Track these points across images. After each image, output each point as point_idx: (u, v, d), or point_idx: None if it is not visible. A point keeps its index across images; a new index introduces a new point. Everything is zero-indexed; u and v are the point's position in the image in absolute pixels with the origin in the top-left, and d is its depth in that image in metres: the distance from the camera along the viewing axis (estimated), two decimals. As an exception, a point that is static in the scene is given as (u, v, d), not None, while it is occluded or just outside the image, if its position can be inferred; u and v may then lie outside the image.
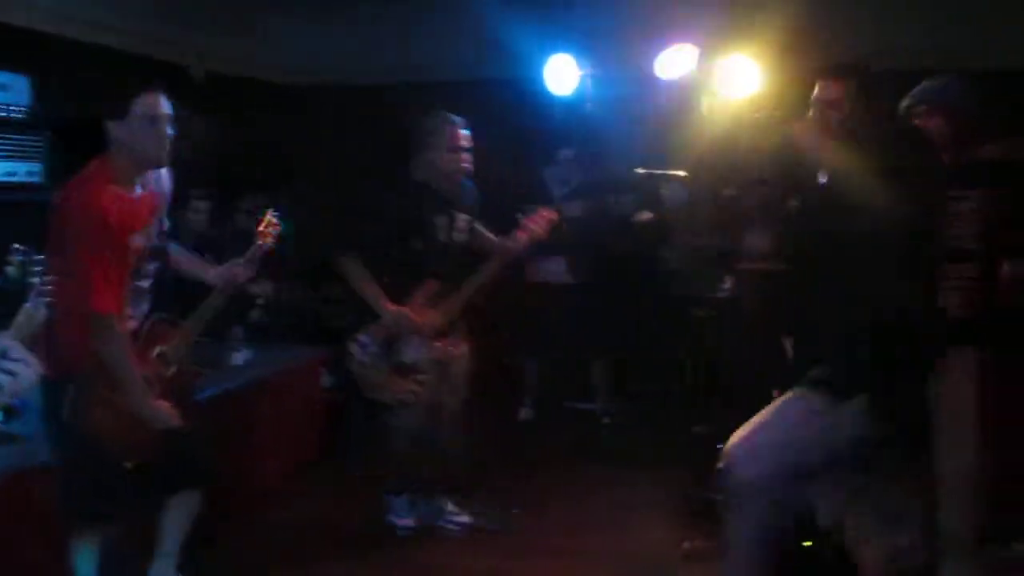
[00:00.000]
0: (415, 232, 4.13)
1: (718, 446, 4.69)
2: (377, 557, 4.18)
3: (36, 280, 1.93)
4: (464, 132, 4.20)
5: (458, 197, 4.26)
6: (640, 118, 6.17)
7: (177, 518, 3.33)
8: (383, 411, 4.21)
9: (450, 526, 4.43)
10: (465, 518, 4.46)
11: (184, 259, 3.40)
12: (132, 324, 3.11)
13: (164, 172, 3.21)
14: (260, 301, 5.70)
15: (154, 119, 3.02)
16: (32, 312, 1.87)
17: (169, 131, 3.06)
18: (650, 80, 5.59)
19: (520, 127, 6.63)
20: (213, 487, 3.39)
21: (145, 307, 3.18)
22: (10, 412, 3.33)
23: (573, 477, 5.23)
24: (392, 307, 4.07)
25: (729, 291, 4.78)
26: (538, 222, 4.38)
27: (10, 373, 1.82)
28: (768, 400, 3.29)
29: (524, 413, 6.21)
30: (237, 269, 3.39)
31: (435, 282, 4.15)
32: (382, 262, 4.11)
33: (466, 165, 4.21)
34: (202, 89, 6.59)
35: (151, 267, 3.19)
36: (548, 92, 5.89)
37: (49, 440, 3.08)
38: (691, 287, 4.67)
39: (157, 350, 3.16)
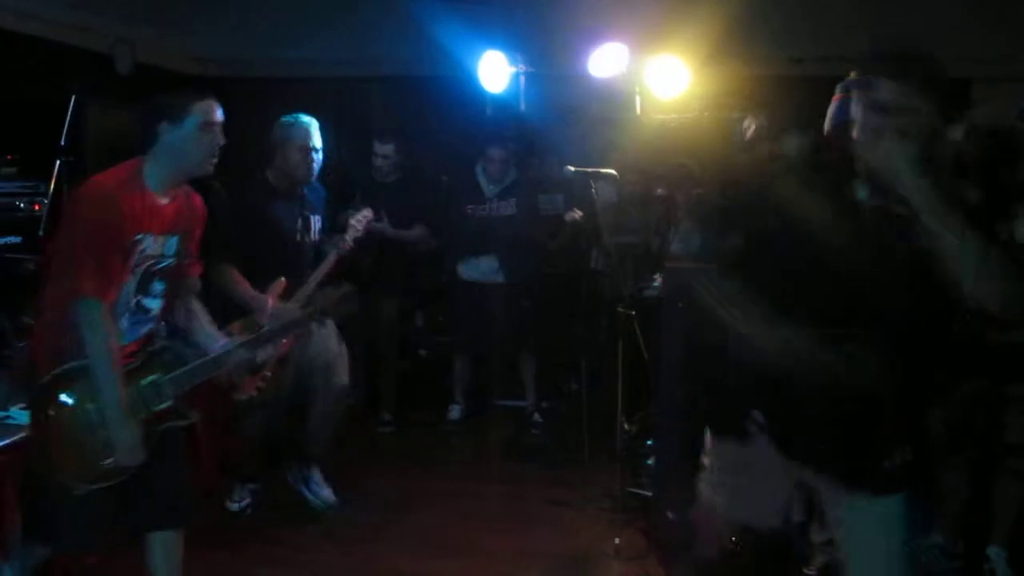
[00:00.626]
0: (268, 232, 4.29)
1: (647, 443, 4.76)
2: (309, 556, 4.15)
3: None
4: (312, 134, 4.38)
5: (306, 198, 4.46)
6: (572, 117, 6.21)
7: (166, 561, 3.10)
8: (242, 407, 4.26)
9: (312, 497, 4.62)
10: (328, 492, 4.65)
11: (198, 324, 3.26)
12: (129, 346, 2.99)
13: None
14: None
15: (208, 125, 3.00)
16: None
17: (220, 140, 3.03)
18: (583, 79, 5.61)
19: (452, 124, 6.63)
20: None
21: (145, 331, 3.06)
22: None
23: (502, 475, 5.24)
24: (256, 293, 4.13)
25: (658, 290, 4.82)
26: (360, 221, 4.58)
27: None
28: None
29: (453, 411, 6.19)
30: (230, 350, 3.21)
31: (285, 280, 4.18)
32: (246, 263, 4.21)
33: (313, 167, 4.38)
34: (128, 80, 6.45)
35: (159, 287, 3.06)
36: (480, 89, 5.87)
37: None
38: (620, 286, 4.69)
39: (150, 378, 2.99)
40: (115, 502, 2.93)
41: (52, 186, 4.41)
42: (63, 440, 2.87)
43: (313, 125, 4.41)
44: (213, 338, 3.20)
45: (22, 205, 4.37)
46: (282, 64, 7.23)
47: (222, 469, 4.88)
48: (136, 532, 3.10)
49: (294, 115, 4.42)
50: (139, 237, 2.92)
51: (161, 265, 3.03)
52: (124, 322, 2.98)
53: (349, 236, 4.51)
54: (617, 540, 4.18)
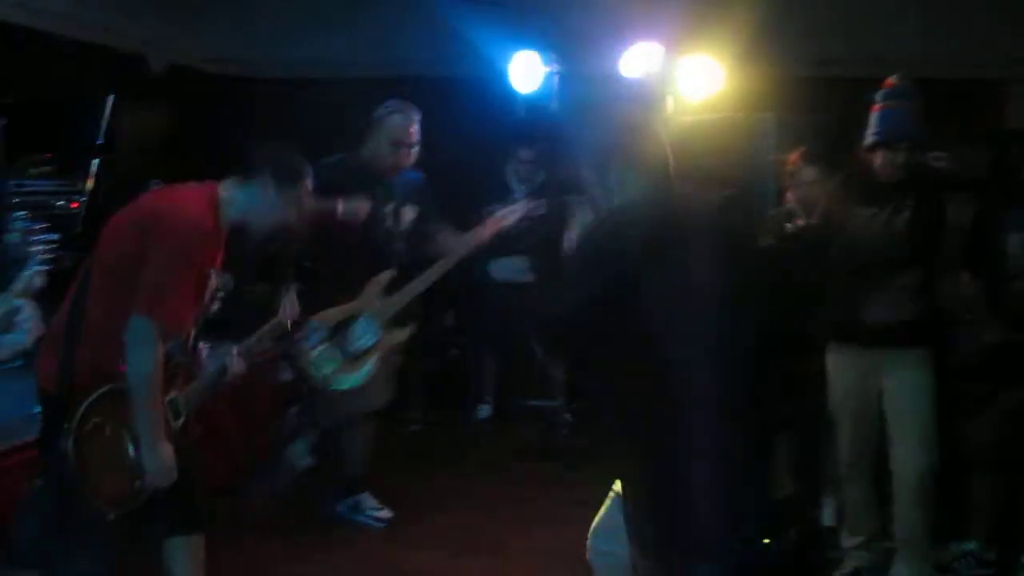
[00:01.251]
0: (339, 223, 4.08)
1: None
2: (327, 556, 4.16)
3: (36, 248, 1.91)
4: (410, 128, 4.18)
5: (394, 186, 4.27)
6: (603, 117, 6.19)
7: (186, 566, 3.06)
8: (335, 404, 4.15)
9: (371, 522, 4.45)
10: (386, 513, 4.48)
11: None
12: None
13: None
14: (220, 294, 5.62)
15: (302, 207, 3.05)
16: (30, 278, 1.86)
17: (296, 223, 3.09)
18: (615, 79, 5.60)
19: (483, 125, 6.63)
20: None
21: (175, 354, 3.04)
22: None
23: (532, 475, 5.24)
24: None
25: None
26: (492, 226, 4.44)
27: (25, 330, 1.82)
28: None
29: (482, 411, 6.20)
30: (231, 359, 3.23)
31: (392, 270, 4.13)
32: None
33: (402, 162, 4.20)
34: (162, 81, 6.51)
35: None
36: (512, 90, 5.88)
37: (41, 458, 2.94)
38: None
39: (169, 396, 2.98)
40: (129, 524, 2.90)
41: (89, 184, 4.46)
42: (99, 465, 2.82)
43: (413, 117, 4.19)
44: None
45: (60, 203, 4.42)
46: (311, 64, 7.26)
47: (246, 467, 4.92)
48: (158, 539, 3.06)
49: (397, 101, 4.21)
50: (209, 272, 2.95)
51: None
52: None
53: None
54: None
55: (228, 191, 2.99)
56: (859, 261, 3.57)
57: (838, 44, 6.35)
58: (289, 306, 3.44)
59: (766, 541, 3.40)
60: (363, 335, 4.08)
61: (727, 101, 5.25)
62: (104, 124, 4.58)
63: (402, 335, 4.23)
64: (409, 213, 4.33)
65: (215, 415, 4.68)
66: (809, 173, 4.12)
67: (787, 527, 3.73)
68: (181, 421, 3.02)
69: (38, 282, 1.87)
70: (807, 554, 3.74)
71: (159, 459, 2.83)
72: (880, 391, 3.65)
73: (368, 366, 4.05)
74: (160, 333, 2.76)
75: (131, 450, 2.86)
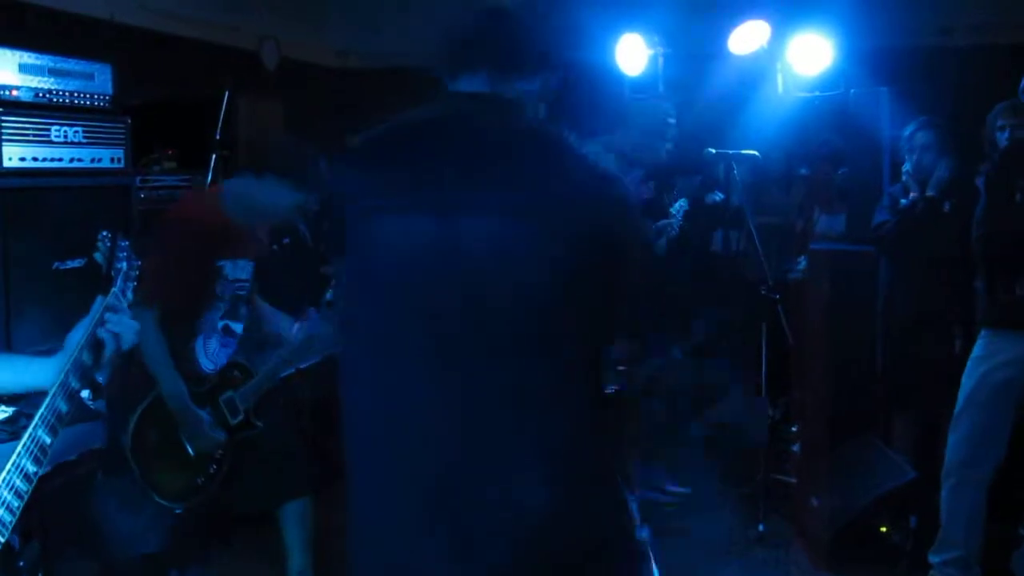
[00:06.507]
0: None
1: (791, 429, 4.67)
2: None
3: (123, 265, 1.98)
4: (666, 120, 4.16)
5: None
6: (711, 97, 6.09)
7: (293, 530, 3.26)
8: None
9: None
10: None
11: (267, 311, 3.40)
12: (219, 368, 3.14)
13: None
14: (335, 282, 5.74)
15: (303, 210, 3.12)
16: (119, 296, 1.93)
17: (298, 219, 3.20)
18: (722, 58, 5.50)
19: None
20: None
21: (231, 352, 3.19)
22: (97, 389, 3.41)
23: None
24: None
25: (803, 272, 4.71)
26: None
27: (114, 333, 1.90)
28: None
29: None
30: (317, 332, 3.29)
31: None
32: None
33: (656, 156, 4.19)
34: (276, 76, 6.70)
35: (245, 311, 3.20)
36: (618, 72, 5.82)
37: (103, 465, 3.05)
38: (763, 268, 4.59)
39: (226, 395, 3.14)
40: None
41: (209, 178, 4.61)
42: (158, 462, 2.96)
43: (668, 110, 4.14)
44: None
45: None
46: (422, 56, 7.32)
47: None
48: (263, 508, 3.26)
49: (655, 91, 4.13)
50: (222, 263, 3.05)
51: (245, 291, 3.16)
52: (213, 345, 3.13)
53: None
54: (761, 527, 4.13)
55: (237, 187, 3.10)
56: None
57: (955, 13, 6.12)
58: None
59: (883, 529, 3.33)
60: None
61: (839, 76, 5.10)
62: (221, 120, 4.72)
63: None
64: None
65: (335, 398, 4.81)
66: (922, 138, 3.98)
67: (907, 514, 3.63)
68: (240, 418, 3.15)
69: (128, 302, 1.94)
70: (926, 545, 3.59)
71: (194, 424, 2.97)
72: None
73: None
74: (157, 319, 2.87)
75: (188, 448, 3.01)
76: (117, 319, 1.92)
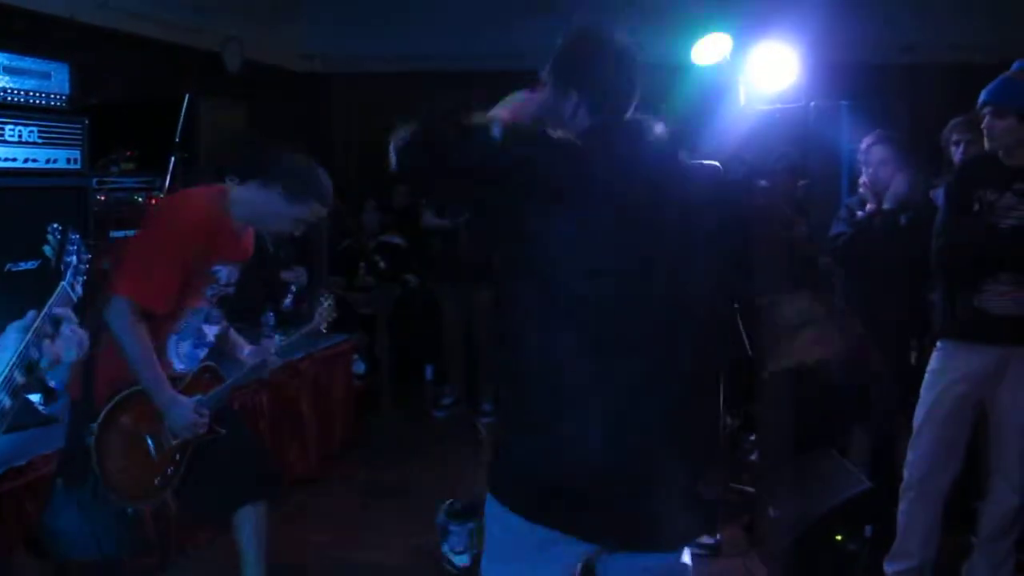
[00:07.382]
0: None
1: (749, 438, 4.70)
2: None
3: (72, 259, 1.94)
4: None
5: None
6: (674, 108, 6.12)
7: (248, 538, 3.21)
8: None
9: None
10: None
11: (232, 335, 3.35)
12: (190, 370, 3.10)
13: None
14: (293, 288, 5.73)
15: (305, 223, 3.09)
16: (67, 290, 1.89)
17: (297, 233, 3.14)
18: (685, 69, 5.53)
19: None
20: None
21: (202, 355, 3.16)
22: (49, 394, 3.36)
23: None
24: None
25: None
26: None
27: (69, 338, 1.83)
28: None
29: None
30: (271, 358, 3.28)
31: None
32: None
33: None
34: (237, 77, 6.64)
35: (217, 315, 3.17)
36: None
37: (63, 470, 3.00)
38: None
39: (195, 397, 3.07)
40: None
41: (168, 181, 4.57)
42: (120, 463, 2.92)
43: None
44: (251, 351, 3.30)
45: (140, 199, 4.55)
46: (390, 59, 7.31)
47: (325, 458, 5.01)
48: (219, 513, 3.23)
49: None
50: (217, 268, 3.02)
51: (224, 294, 3.14)
52: (186, 347, 3.10)
53: None
54: (718, 536, 4.14)
55: (239, 192, 3.07)
56: (998, 250, 3.21)
57: (916, 31, 6.21)
58: (327, 310, 3.51)
59: (838, 538, 3.35)
60: None
61: (800, 90, 5.16)
62: (181, 122, 4.68)
63: None
64: None
65: (295, 408, 4.79)
66: (879, 152, 4.03)
67: (862, 524, 3.65)
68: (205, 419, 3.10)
69: (76, 297, 1.89)
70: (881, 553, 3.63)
71: (178, 414, 2.94)
72: (985, 402, 3.36)
73: None
74: (137, 312, 2.83)
75: (152, 449, 2.99)
76: (61, 340, 1.86)
